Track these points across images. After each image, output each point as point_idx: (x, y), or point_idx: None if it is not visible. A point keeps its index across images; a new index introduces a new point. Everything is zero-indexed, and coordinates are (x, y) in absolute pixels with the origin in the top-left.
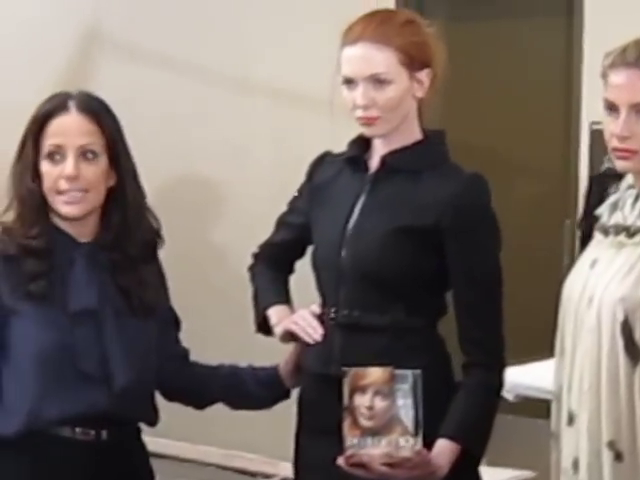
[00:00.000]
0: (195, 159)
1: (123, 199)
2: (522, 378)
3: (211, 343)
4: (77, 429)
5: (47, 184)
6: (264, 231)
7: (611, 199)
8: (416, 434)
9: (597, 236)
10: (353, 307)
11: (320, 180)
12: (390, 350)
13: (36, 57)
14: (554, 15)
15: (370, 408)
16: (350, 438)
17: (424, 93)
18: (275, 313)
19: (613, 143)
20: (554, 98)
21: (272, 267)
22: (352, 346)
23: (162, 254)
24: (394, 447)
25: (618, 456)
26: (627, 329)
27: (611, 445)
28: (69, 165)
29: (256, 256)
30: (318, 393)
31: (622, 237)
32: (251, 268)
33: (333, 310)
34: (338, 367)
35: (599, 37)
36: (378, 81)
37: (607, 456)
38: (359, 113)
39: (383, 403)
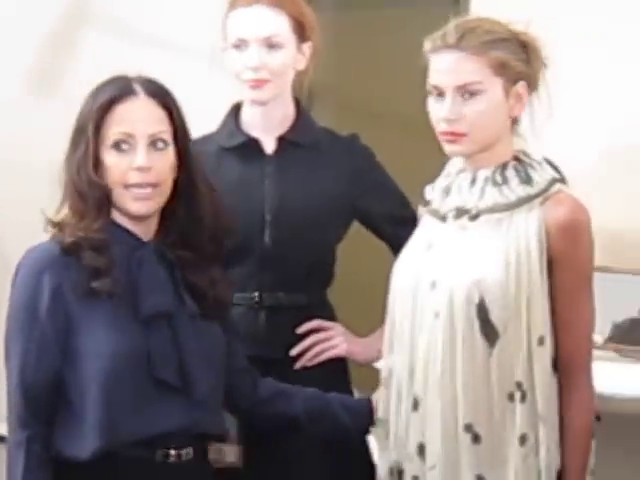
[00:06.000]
0: None
1: (191, 193)
2: None
3: None
4: (158, 450)
5: (114, 177)
6: None
7: (441, 185)
8: None
9: (428, 220)
10: (277, 289)
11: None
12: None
13: (18, 34)
14: (440, 4)
15: None
16: None
17: (304, 66)
18: None
19: (441, 127)
20: None
21: None
22: (276, 325)
23: None
24: None
25: (476, 438)
26: (483, 311)
27: (468, 428)
28: (141, 156)
29: None
30: None
31: (464, 220)
32: None
33: (257, 294)
34: (264, 348)
35: None
36: (271, 44)
37: (464, 439)
38: (249, 75)
39: None
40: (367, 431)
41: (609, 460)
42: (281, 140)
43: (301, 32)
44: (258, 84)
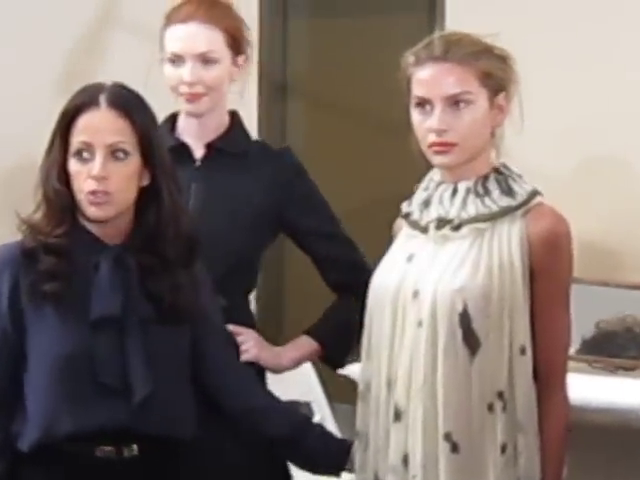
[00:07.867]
0: None
1: (157, 199)
2: None
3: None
4: (96, 446)
5: (75, 184)
6: None
7: (419, 197)
8: None
9: (408, 231)
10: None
11: None
12: None
13: (47, 39)
14: (415, 11)
15: None
16: None
17: (239, 76)
18: None
19: (431, 138)
20: None
21: None
22: None
23: None
24: None
25: (454, 448)
26: (466, 319)
27: (447, 437)
28: (97, 165)
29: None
30: None
31: (446, 231)
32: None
33: None
34: None
35: None
36: (206, 60)
37: (443, 448)
38: (184, 89)
39: None
40: (337, 473)
41: (580, 470)
42: (209, 147)
43: (235, 46)
44: (194, 98)
